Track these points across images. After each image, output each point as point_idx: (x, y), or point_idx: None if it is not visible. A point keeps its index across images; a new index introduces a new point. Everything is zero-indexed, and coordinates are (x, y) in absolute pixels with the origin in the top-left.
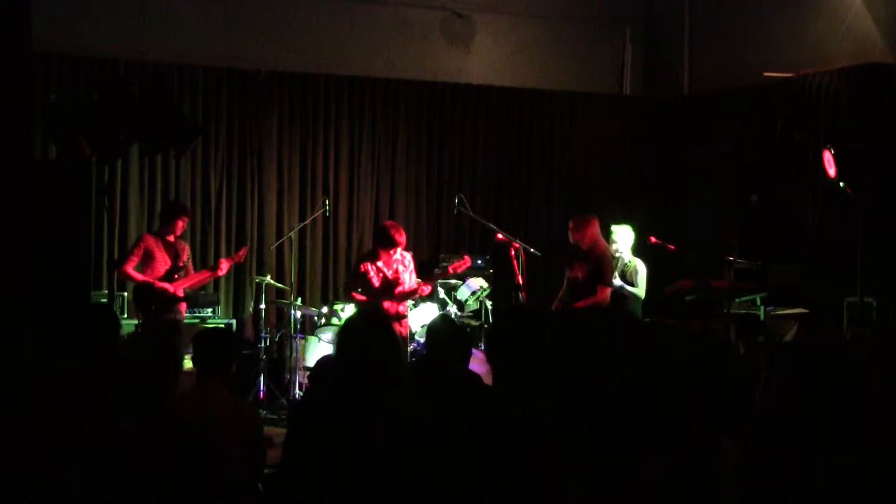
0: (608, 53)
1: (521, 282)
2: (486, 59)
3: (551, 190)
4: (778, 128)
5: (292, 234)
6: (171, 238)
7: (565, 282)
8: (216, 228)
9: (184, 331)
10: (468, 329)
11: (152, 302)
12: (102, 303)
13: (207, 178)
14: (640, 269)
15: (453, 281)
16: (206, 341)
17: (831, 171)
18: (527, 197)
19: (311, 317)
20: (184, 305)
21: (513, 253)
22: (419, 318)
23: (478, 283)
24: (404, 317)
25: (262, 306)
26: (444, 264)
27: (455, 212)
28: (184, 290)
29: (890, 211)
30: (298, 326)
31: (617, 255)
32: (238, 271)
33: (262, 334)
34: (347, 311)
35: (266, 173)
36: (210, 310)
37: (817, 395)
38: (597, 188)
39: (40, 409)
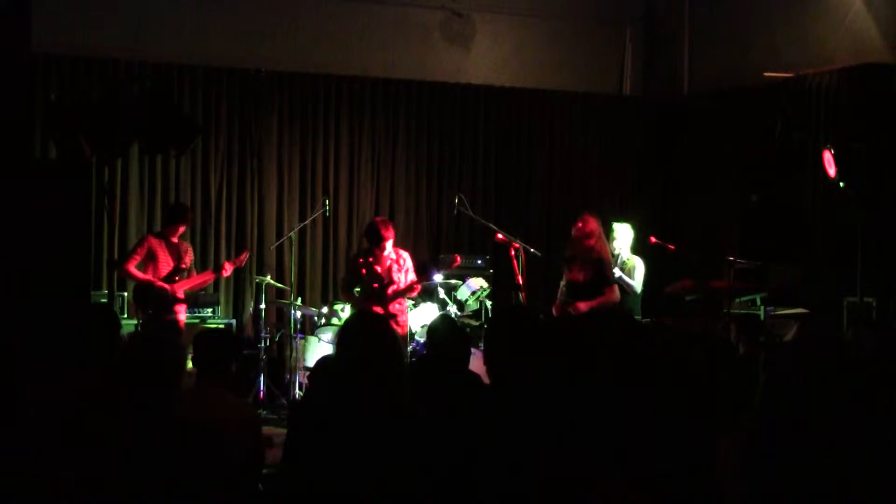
0: (608, 53)
1: (521, 282)
2: (485, 59)
3: (551, 190)
4: (778, 128)
5: (292, 234)
6: (175, 239)
7: (564, 284)
8: (216, 228)
9: (183, 331)
10: (468, 329)
11: (152, 301)
12: (102, 303)
13: (207, 178)
14: (639, 266)
15: (453, 281)
16: (206, 342)
17: (831, 171)
18: (527, 197)
19: (311, 317)
20: (183, 306)
21: (513, 253)
22: (419, 318)
23: (478, 283)
24: (394, 316)
25: (262, 306)
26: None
27: (455, 212)
28: (184, 291)
29: (890, 211)
30: (298, 326)
31: (616, 252)
32: (238, 271)
33: (262, 334)
34: (347, 311)
35: (266, 173)
36: (210, 310)
37: (817, 395)
38: (597, 188)
39: (40, 410)
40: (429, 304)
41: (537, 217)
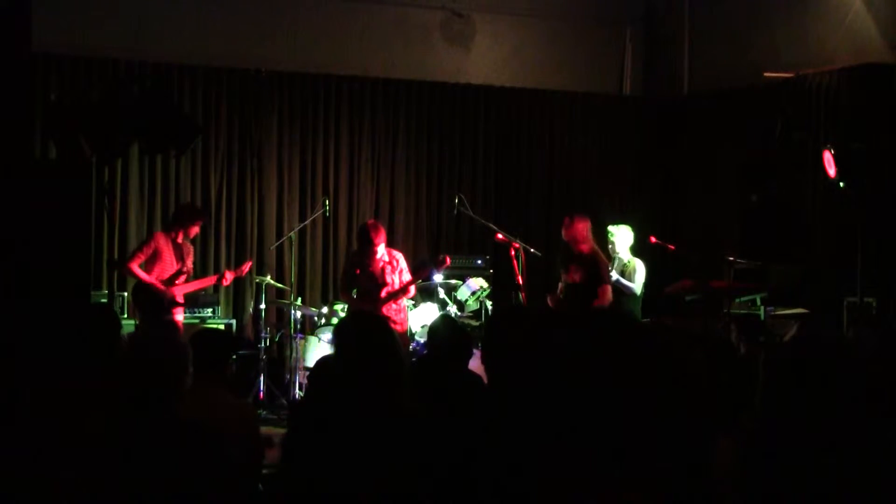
0: (608, 53)
1: (521, 282)
2: (485, 59)
3: (551, 190)
4: (778, 128)
5: (292, 234)
6: (180, 240)
7: (563, 286)
8: (216, 228)
9: (181, 332)
10: (468, 329)
11: (150, 303)
12: (102, 303)
13: (207, 178)
14: (639, 268)
15: (453, 281)
16: (203, 341)
17: (831, 171)
18: (527, 197)
19: (311, 317)
20: (181, 308)
21: (513, 253)
22: (419, 318)
23: (478, 283)
24: (389, 318)
25: (262, 306)
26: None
27: (455, 212)
28: (183, 294)
29: (890, 211)
30: (298, 326)
31: (614, 255)
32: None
33: (262, 334)
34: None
35: (266, 173)
36: (210, 310)
37: (817, 395)
38: (596, 188)
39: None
40: (429, 304)
41: (537, 217)
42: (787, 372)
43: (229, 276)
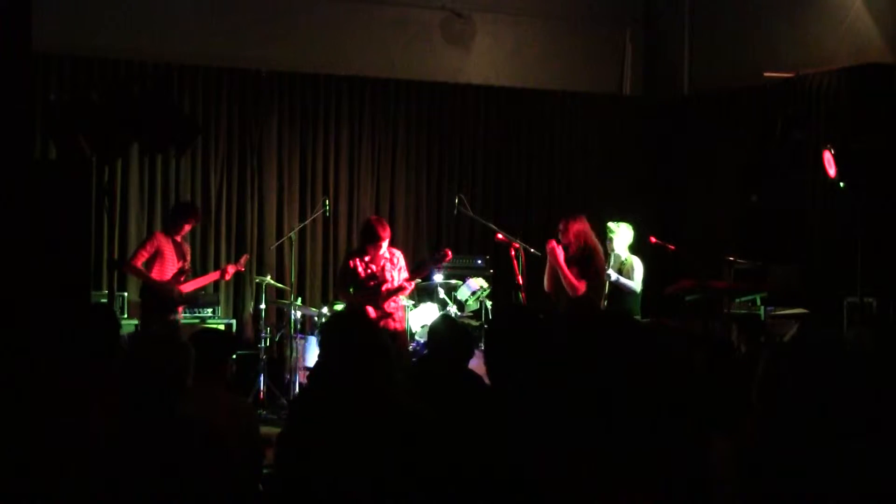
0: (608, 53)
1: (521, 282)
2: (485, 59)
3: (551, 190)
4: (778, 128)
5: (292, 234)
6: (179, 238)
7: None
8: (216, 228)
9: (182, 331)
10: (468, 329)
11: (159, 303)
12: (102, 303)
13: (207, 178)
14: (637, 266)
15: (453, 281)
16: (203, 341)
17: (831, 171)
18: (527, 197)
19: (311, 317)
20: (181, 308)
21: (513, 253)
22: (419, 318)
23: (478, 283)
24: (390, 315)
25: (262, 306)
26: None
27: (455, 212)
28: (185, 292)
29: (890, 211)
30: (298, 326)
31: (611, 252)
32: (238, 272)
33: (262, 334)
34: None
35: (266, 173)
36: (210, 310)
37: (817, 395)
38: (596, 188)
39: (41, 409)
40: (429, 304)
41: (537, 217)
42: (787, 372)
43: (230, 270)
